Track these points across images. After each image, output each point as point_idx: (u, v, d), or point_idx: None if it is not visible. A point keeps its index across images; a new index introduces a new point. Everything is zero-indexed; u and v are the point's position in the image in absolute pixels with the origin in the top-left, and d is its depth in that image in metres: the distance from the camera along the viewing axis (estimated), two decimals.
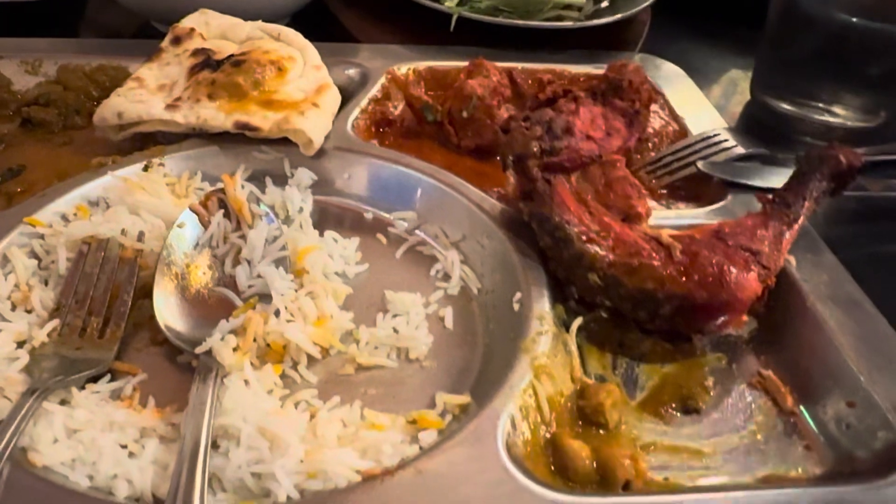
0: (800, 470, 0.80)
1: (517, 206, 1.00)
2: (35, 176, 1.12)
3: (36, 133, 1.21)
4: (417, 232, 1.08)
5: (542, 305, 0.90)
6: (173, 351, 0.88)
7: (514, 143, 0.97)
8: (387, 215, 1.10)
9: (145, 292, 0.93)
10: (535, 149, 0.96)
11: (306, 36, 1.30)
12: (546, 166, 0.97)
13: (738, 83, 1.58)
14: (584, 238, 0.92)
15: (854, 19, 1.32)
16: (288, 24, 1.48)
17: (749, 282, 0.90)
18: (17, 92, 1.27)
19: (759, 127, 1.43)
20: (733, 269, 0.89)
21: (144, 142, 1.15)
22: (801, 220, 0.98)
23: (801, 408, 0.87)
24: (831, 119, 1.41)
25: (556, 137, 0.99)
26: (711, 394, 0.88)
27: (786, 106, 1.45)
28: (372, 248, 1.05)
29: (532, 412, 0.79)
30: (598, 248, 0.92)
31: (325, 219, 1.10)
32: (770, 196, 1.00)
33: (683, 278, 0.89)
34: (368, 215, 1.11)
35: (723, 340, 0.95)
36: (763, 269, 0.92)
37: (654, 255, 0.91)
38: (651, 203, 1.10)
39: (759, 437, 0.84)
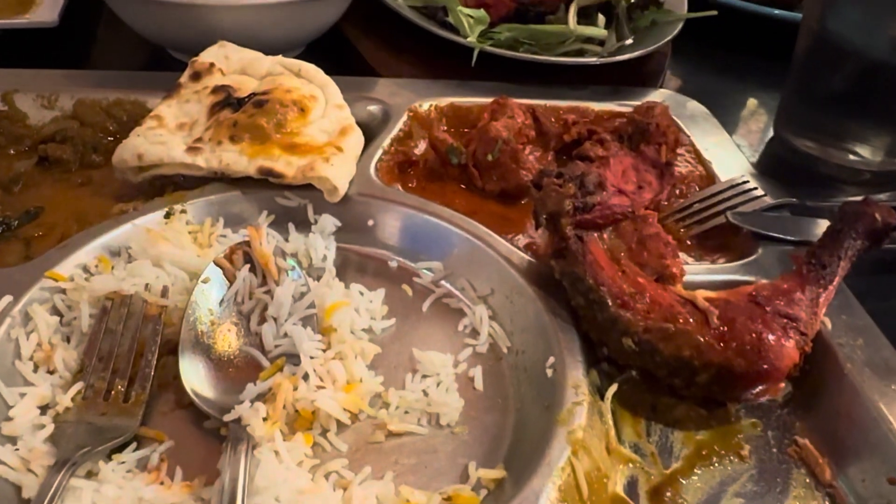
0: None
1: (548, 263, 0.98)
2: (54, 218, 1.10)
3: (53, 171, 1.18)
4: (444, 283, 1.06)
5: (578, 373, 0.88)
6: (200, 415, 0.86)
7: (547, 200, 0.95)
8: (412, 264, 1.08)
9: (169, 348, 0.91)
10: (568, 206, 0.94)
11: (322, 66, 1.28)
12: (578, 223, 0.96)
13: (761, 118, 1.56)
14: (618, 301, 0.91)
15: (886, 57, 1.29)
16: (303, 54, 1.46)
17: (788, 350, 0.88)
18: (33, 127, 1.24)
19: (781, 165, 1.42)
20: (772, 337, 0.88)
21: (164, 182, 1.13)
22: (836, 281, 0.97)
23: (840, 482, 0.85)
24: (855, 159, 1.39)
25: (588, 193, 0.97)
26: (748, 463, 0.87)
27: (809, 144, 1.43)
28: (398, 300, 1.03)
29: (571, 491, 0.77)
30: (632, 314, 0.90)
31: (347, 266, 1.08)
32: (805, 256, 0.98)
33: (721, 346, 0.87)
34: (393, 264, 1.09)
35: (757, 405, 0.93)
36: (801, 336, 0.90)
37: (690, 320, 0.89)
38: (681, 255, 1.09)
39: None
